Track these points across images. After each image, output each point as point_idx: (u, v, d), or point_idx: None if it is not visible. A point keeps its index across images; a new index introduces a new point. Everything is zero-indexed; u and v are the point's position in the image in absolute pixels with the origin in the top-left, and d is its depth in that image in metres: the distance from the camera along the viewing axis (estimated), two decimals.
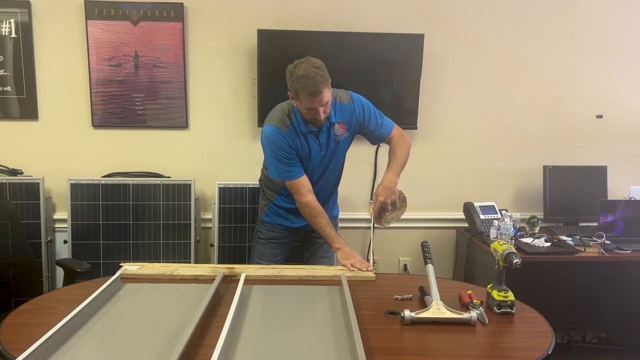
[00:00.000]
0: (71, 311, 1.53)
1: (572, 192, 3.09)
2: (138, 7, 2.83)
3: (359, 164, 3.10)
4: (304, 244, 2.49)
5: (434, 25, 2.99)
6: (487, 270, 2.56)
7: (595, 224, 2.92)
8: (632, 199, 3.03)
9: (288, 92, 2.10)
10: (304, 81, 1.98)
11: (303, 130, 2.16)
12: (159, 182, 2.88)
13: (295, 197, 2.18)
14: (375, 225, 2.11)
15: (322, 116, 2.07)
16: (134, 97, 2.92)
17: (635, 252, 2.70)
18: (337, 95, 2.22)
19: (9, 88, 2.87)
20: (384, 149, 3.06)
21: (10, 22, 2.81)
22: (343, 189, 3.01)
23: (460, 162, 3.16)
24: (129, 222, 2.85)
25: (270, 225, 2.42)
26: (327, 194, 2.37)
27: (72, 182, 2.83)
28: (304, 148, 2.19)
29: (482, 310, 1.67)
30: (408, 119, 3.01)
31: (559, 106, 3.15)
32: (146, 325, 1.55)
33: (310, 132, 2.17)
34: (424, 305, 1.70)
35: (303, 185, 2.16)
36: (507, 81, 3.09)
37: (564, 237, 2.86)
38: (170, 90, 2.93)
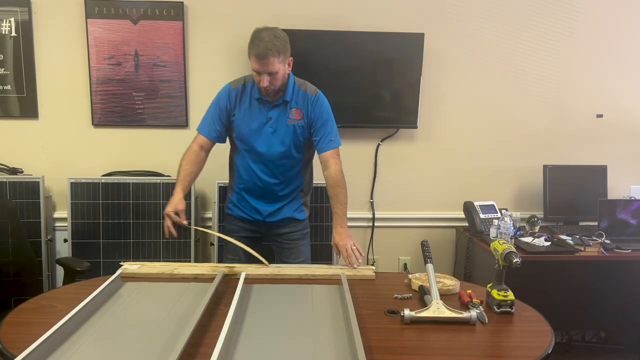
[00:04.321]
0: (71, 310, 1.53)
1: (572, 192, 3.09)
2: (138, 5, 2.83)
3: (359, 164, 3.11)
4: (275, 247, 2.44)
5: (434, 25, 2.99)
6: (487, 269, 2.56)
7: (595, 223, 2.92)
8: (632, 198, 3.03)
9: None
10: (256, 42, 2.06)
11: (255, 95, 2.21)
12: (159, 180, 2.88)
13: (191, 144, 2.27)
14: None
15: (265, 84, 2.10)
16: (134, 95, 2.92)
17: (635, 251, 2.70)
18: (306, 85, 2.27)
19: (9, 87, 2.87)
20: (384, 148, 3.09)
21: (10, 21, 2.81)
22: None
23: (460, 161, 3.16)
24: (128, 221, 2.85)
25: (230, 217, 2.41)
26: (274, 183, 2.29)
27: (72, 180, 2.83)
28: (247, 112, 2.21)
29: (482, 309, 1.67)
30: (408, 118, 3.01)
31: (559, 105, 3.15)
32: (146, 324, 1.55)
33: (262, 100, 2.20)
34: (423, 304, 1.70)
35: (203, 141, 2.25)
36: (508, 80, 3.09)
37: (563, 237, 2.86)
38: (170, 89, 2.93)
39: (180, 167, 2.23)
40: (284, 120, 2.22)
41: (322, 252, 2.93)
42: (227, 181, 2.94)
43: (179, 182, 2.19)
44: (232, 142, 2.33)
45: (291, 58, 2.17)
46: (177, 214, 2.08)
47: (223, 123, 2.24)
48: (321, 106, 2.25)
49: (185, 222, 2.10)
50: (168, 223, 2.09)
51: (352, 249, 2.09)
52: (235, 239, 2.35)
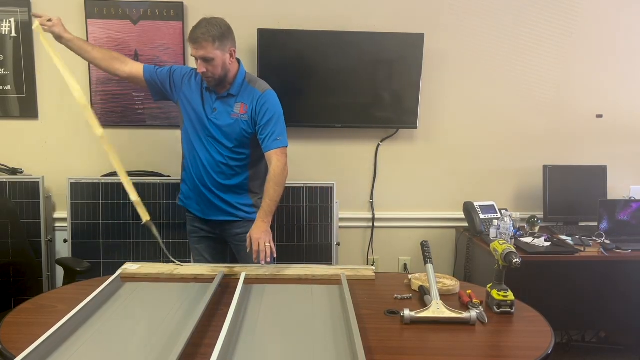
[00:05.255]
0: (71, 310, 1.53)
1: (572, 192, 3.09)
2: (138, 6, 2.83)
3: (359, 164, 3.11)
4: (233, 248, 2.43)
5: (434, 25, 2.99)
6: (487, 269, 2.56)
7: (595, 223, 2.92)
8: (632, 198, 3.03)
9: None
10: (192, 29, 2.13)
11: (205, 84, 2.25)
12: (158, 181, 2.88)
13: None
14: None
15: (200, 69, 2.14)
16: (134, 96, 2.92)
17: (635, 251, 2.70)
18: (256, 82, 2.29)
19: (9, 87, 2.87)
20: (383, 148, 3.09)
21: (10, 21, 2.81)
22: (343, 189, 3.03)
23: (460, 162, 3.16)
24: (128, 222, 2.85)
25: (189, 217, 2.44)
26: (217, 172, 2.27)
27: (72, 181, 2.83)
28: (198, 100, 2.26)
29: (482, 309, 1.67)
30: (408, 119, 3.01)
31: (559, 106, 3.15)
32: (146, 325, 1.55)
33: (208, 90, 2.25)
34: (423, 304, 1.70)
35: (137, 65, 2.37)
36: (507, 81, 3.09)
37: (563, 237, 2.86)
38: None
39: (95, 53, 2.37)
40: (228, 113, 2.23)
41: (322, 253, 2.93)
42: None
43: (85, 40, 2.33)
44: (182, 126, 2.36)
45: (234, 49, 2.19)
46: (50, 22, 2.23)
47: (163, 80, 2.32)
48: (267, 103, 2.22)
49: (50, 24, 2.23)
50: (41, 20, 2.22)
51: (265, 245, 2.01)
52: (196, 239, 2.43)
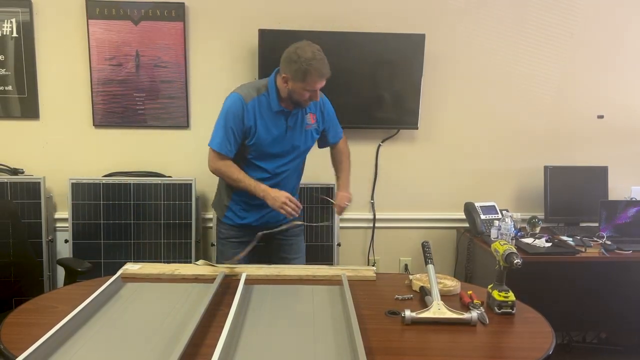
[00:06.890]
0: (72, 310, 1.53)
1: (573, 192, 3.09)
2: (139, 6, 2.83)
3: (360, 165, 3.10)
4: (268, 245, 2.40)
5: (435, 25, 2.99)
6: (488, 270, 2.56)
7: (596, 224, 2.92)
8: (633, 199, 3.03)
9: (284, 75, 2.11)
10: (315, 63, 2.05)
11: (275, 108, 2.18)
12: (159, 181, 2.88)
13: (210, 163, 2.24)
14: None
15: (319, 98, 2.20)
16: (135, 96, 2.92)
17: (635, 252, 2.70)
18: None
19: (10, 87, 2.87)
20: (384, 149, 3.10)
21: (11, 22, 2.82)
22: None
23: (461, 162, 3.16)
24: (129, 222, 2.85)
25: (229, 225, 2.36)
26: (290, 187, 2.31)
27: (73, 181, 2.83)
28: (267, 126, 2.18)
29: (483, 310, 1.67)
30: (409, 119, 3.01)
31: (559, 106, 3.15)
32: (147, 325, 1.55)
33: (282, 112, 2.20)
34: (424, 305, 1.70)
35: (224, 157, 2.20)
36: (508, 81, 3.09)
37: (564, 238, 2.86)
38: (171, 90, 2.93)
39: (237, 179, 2.19)
40: (303, 126, 2.27)
41: (323, 253, 2.93)
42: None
43: (256, 183, 2.17)
44: (241, 156, 2.24)
45: None
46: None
47: (241, 139, 2.19)
48: (328, 105, 2.37)
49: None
50: (292, 208, 2.12)
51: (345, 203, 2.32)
52: (236, 244, 2.34)
